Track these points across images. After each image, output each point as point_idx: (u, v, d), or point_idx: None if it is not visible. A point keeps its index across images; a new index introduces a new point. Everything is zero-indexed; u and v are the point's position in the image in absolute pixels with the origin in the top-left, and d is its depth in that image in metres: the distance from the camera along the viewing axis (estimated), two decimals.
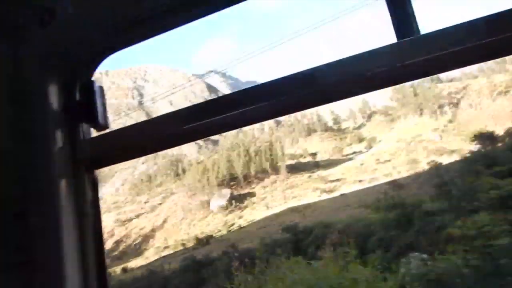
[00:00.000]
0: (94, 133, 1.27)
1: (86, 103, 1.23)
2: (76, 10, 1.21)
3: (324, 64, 1.02)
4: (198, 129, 1.15)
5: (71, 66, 1.25)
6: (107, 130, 1.25)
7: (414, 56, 0.91)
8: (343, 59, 1.00)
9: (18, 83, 1.24)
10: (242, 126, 1.17)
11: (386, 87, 0.98)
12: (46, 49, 1.24)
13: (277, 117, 1.12)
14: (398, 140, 48.53)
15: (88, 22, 1.23)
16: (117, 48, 1.29)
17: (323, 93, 1.04)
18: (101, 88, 1.26)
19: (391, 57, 0.93)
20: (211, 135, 1.20)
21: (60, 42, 1.24)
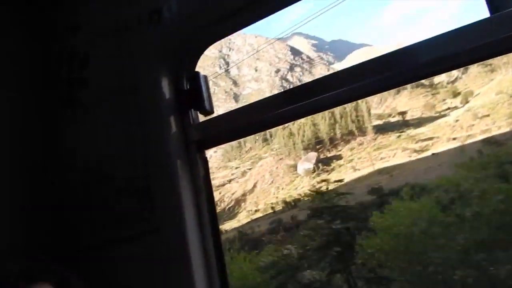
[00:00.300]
0: (201, 118, 1.44)
1: (193, 92, 1.39)
2: (179, 9, 1.35)
3: (420, 42, 1.05)
4: (295, 112, 1.25)
5: (178, 59, 1.41)
6: (213, 115, 1.41)
7: (510, 30, 0.90)
8: (438, 35, 1.02)
9: (136, 77, 1.43)
10: (338, 106, 1.25)
11: (480, 61, 0.99)
12: (156, 46, 1.41)
13: (373, 95, 1.17)
14: (498, 92, 44.28)
15: (189, 19, 1.36)
16: (215, 40, 1.42)
17: (419, 70, 1.07)
18: (205, 77, 1.41)
19: (486, 32, 0.94)
20: (307, 116, 1.30)
21: (167, 39, 1.39)
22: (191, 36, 1.38)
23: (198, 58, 1.46)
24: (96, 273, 1.32)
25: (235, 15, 1.33)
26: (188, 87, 1.41)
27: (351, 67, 1.15)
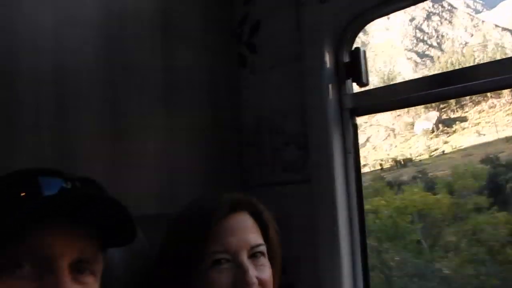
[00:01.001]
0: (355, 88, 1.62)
1: (352, 65, 1.57)
2: None
3: None
4: (438, 95, 1.38)
5: (341, 34, 1.59)
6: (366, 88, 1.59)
7: None
8: None
9: (301, 47, 1.65)
10: (487, 92, 1.34)
11: None
12: (323, 21, 1.60)
13: None
14: None
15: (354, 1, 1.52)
16: (377, 17, 1.56)
17: None
18: (364, 52, 1.58)
19: None
20: (453, 98, 1.41)
21: (334, 16, 1.57)
22: (357, 15, 1.54)
23: (357, 35, 1.62)
24: None
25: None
26: (347, 60, 1.59)
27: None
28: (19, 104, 1.32)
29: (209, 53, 1.81)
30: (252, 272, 1.01)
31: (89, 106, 1.47)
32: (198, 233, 1.03)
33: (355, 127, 1.59)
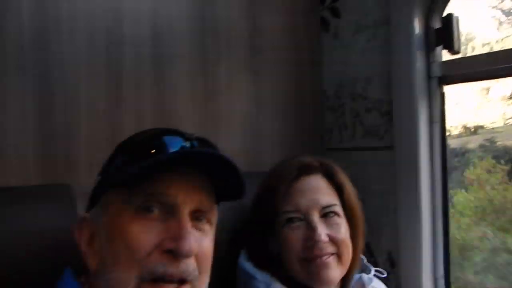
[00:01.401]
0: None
1: (444, 31, 1.52)
2: None
3: None
4: None
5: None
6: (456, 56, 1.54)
7: None
8: None
9: (389, 12, 1.62)
10: None
11: None
12: None
13: None
14: None
15: None
16: None
17: None
18: (457, 18, 1.51)
19: None
20: None
21: None
22: None
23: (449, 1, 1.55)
24: None
25: None
26: (439, 26, 1.54)
27: None
28: (125, 67, 1.44)
29: (293, 17, 1.82)
30: (322, 230, 1.07)
31: (182, 68, 1.57)
32: (272, 194, 1.12)
33: (443, 96, 1.56)
